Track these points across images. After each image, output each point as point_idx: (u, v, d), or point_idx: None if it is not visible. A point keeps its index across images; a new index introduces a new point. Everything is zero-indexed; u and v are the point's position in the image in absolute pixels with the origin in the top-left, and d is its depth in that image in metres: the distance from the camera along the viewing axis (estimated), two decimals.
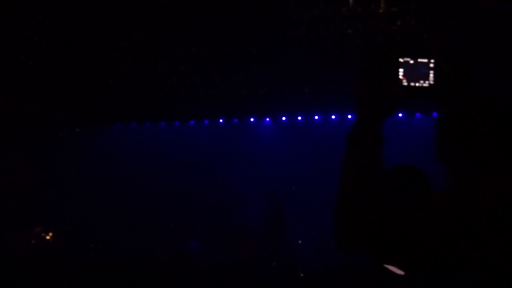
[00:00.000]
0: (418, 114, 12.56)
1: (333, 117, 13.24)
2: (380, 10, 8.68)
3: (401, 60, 1.59)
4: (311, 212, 11.50)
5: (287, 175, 12.40)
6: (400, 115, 12.24)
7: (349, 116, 13.06)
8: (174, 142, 13.86)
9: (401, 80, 1.59)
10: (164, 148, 13.83)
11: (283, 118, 13.68)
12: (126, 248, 10.90)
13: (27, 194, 12.79)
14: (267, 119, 13.91)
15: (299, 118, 13.55)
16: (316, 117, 13.39)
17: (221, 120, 14.14)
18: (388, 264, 2.06)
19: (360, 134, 1.58)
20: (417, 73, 1.59)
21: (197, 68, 11.54)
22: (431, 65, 1.59)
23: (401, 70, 1.59)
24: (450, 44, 9.04)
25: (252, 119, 13.92)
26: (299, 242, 11.93)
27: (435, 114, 9.93)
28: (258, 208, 11.26)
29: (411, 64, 1.59)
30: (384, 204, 1.48)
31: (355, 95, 1.61)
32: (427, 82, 1.59)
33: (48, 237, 12.69)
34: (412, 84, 1.59)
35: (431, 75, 1.59)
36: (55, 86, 11.69)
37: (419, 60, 1.59)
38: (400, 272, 2.01)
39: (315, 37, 9.84)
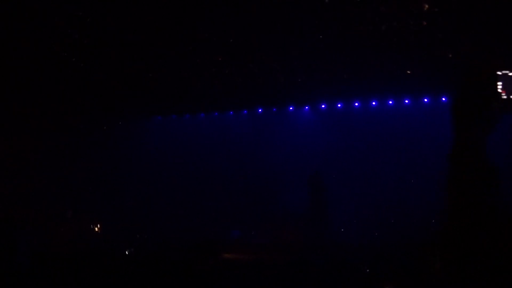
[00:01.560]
0: None
1: (373, 103, 13.05)
2: None
3: (499, 73, 1.54)
4: (353, 198, 11.45)
5: (328, 162, 12.33)
6: None
7: (390, 102, 12.87)
8: (214, 132, 14.01)
9: (500, 93, 1.54)
10: (205, 138, 13.99)
11: (322, 106, 13.58)
12: (171, 237, 11.11)
13: (75, 187, 13.19)
14: (306, 107, 13.84)
15: (339, 105, 13.42)
16: (356, 104, 13.23)
17: (260, 110, 14.16)
18: None
19: (463, 153, 1.53)
20: None
21: (234, 58, 11.55)
22: None
23: (499, 83, 1.54)
24: None
25: (291, 108, 13.88)
26: (342, 230, 11.87)
27: None
28: (299, 194, 11.28)
29: (510, 76, 1.54)
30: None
31: (454, 112, 1.56)
32: None
33: (97, 229, 13.08)
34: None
35: None
36: (95, 83, 11.98)
37: None
38: None
39: (350, 23, 9.69)
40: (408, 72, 11.41)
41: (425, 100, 12.43)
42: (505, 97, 1.54)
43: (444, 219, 1.53)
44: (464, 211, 1.47)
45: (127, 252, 10.28)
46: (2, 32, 9.41)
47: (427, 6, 8.52)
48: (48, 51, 10.56)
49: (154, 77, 12.28)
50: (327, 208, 10.88)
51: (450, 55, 10.49)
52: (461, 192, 1.49)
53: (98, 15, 9.49)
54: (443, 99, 11.96)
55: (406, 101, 12.72)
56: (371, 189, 11.71)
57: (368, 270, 7.30)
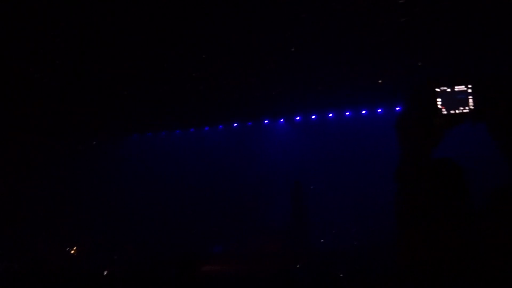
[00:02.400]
0: None
1: (347, 113, 13.24)
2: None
3: (437, 90, 1.63)
4: (332, 208, 11.54)
5: (306, 172, 12.41)
6: None
7: (363, 112, 13.08)
8: (191, 149, 13.98)
9: (440, 109, 1.62)
10: (181, 154, 13.95)
11: (297, 118, 13.71)
12: (151, 254, 10.98)
13: (50, 209, 12.96)
14: (281, 120, 13.95)
15: (313, 116, 13.57)
16: (330, 115, 13.39)
17: (235, 124, 14.21)
18: None
19: (409, 168, 1.57)
20: (455, 100, 1.62)
21: (208, 74, 11.60)
22: (469, 90, 1.62)
23: (439, 99, 1.62)
24: None
25: (266, 121, 13.97)
26: (322, 241, 11.92)
27: None
28: (280, 205, 11.31)
29: (448, 92, 1.62)
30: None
31: (398, 130, 1.61)
32: (466, 108, 1.61)
33: (72, 251, 12.83)
34: (452, 111, 1.62)
35: (470, 101, 1.61)
36: (70, 100, 11.85)
37: (456, 88, 1.63)
38: None
39: (323, 34, 9.85)
40: (380, 81, 11.64)
41: (398, 108, 12.66)
42: (445, 112, 1.61)
43: (399, 239, 1.56)
44: (418, 225, 1.49)
45: (105, 273, 10.11)
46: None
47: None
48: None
49: (128, 94, 12.21)
50: (307, 217, 10.95)
51: (420, 63, 10.77)
52: (412, 208, 1.52)
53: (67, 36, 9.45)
54: (397, 109, 12.21)
55: (379, 110, 12.93)
56: (350, 196, 11.83)
57: (342, 275, 7.35)
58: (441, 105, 1.61)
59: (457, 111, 1.62)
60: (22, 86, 10.94)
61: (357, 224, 11.27)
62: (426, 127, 1.58)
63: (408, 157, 1.58)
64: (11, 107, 11.36)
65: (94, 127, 13.40)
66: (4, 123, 11.66)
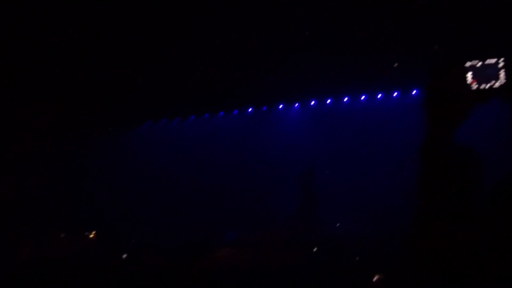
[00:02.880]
0: None
1: (362, 97, 13.10)
2: None
3: (468, 63, 1.57)
4: (345, 192, 11.50)
5: (319, 158, 12.35)
6: None
7: (379, 95, 12.93)
8: (205, 135, 14.00)
9: (470, 84, 1.56)
10: (196, 140, 13.98)
11: (312, 103, 13.61)
12: (167, 240, 11.09)
13: (67, 194, 13.16)
14: (296, 105, 13.87)
15: (328, 101, 13.46)
16: (346, 99, 13.27)
17: (250, 109, 14.17)
18: None
19: (434, 146, 1.53)
20: (486, 74, 1.56)
21: (222, 59, 11.56)
22: (500, 64, 1.56)
23: (469, 74, 1.56)
24: None
25: (280, 106, 13.91)
26: (337, 224, 11.90)
27: None
28: (292, 193, 11.31)
29: (479, 66, 1.56)
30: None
31: (425, 105, 1.56)
32: (497, 82, 1.55)
33: (91, 236, 13.04)
34: (482, 86, 1.56)
35: (501, 75, 1.55)
36: (83, 89, 11.94)
37: (487, 61, 1.57)
38: None
39: (336, 19, 9.73)
40: (396, 65, 11.47)
41: (414, 92, 12.49)
42: (475, 87, 1.55)
43: (416, 218, 1.53)
44: (438, 208, 1.47)
45: (123, 256, 10.27)
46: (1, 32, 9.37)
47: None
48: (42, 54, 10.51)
49: (142, 81, 12.25)
50: (319, 203, 10.93)
51: (437, 46, 10.57)
52: (433, 188, 1.49)
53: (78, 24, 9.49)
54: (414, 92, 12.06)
55: (395, 94, 12.77)
56: (364, 183, 11.76)
57: (357, 258, 7.35)
58: (471, 79, 1.55)
59: (487, 86, 1.55)
60: (31, 75, 11.04)
61: (371, 210, 11.22)
62: (453, 103, 1.53)
63: (434, 134, 1.52)
64: (22, 96, 11.47)
65: (108, 115, 13.50)
66: (21, 111, 11.81)
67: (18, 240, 9.89)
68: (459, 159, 1.53)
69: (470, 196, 1.50)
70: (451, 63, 1.55)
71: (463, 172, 1.53)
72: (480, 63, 1.56)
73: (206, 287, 6.86)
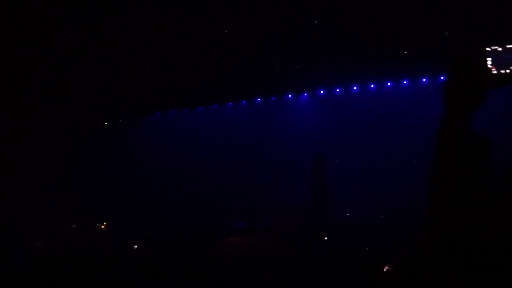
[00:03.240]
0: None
1: (372, 86, 13.01)
2: None
3: (488, 49, 1.56)
4: (355, 181, 11.47)
5: (329, 147, 12.31)
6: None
7: (388, 84, 12.83)
8: (214, 125, 14.00)
9: (490, 69, 1.56)
10: (205, 131, 13.99)
11: (321, 92, 13.55)
12: (177, 230, 11.15)
13: (79, 186, 13.25)
14: (305, 94, 13.81)
15: (337, 90, 13.39)
16: (355, 88, 13.19)
17: (258, 100, 14.14)
18: None
19: (451, 130, 1.54)
20: (506, 60, 1.56)
21: (231, 50, 11.53)
22: None
23: (489, 59, 1.56)
24: None
25: (289, 96, 13.86)
26: (347, 214, 11.91)
27: None
28: (302, 182, 11.30)
29: (499, 51, 1.56)
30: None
31: (444, 89, 1.56)
32: None
33: (103, 227, 13.14)
34: (502, 71, 1.56)
35: None
36: (93, 81, 11.99)
37: (508, 46, 1.56)
38: None
39: (345, 7, 9.66)
40: (405, 52, 11.37)
41: (424, 80, 12.38)
42: (495, 72, 1.55)
43: (432, 202, 1.53)
44: (453, 191, 1.47)
45: (135, 247, 10.35)
46: (2, 32, 9.41)
47: None
48: (47, 50, 10.57)
49: (151, 72, 12.27)
50: (329, 191, 10.92)
51: (446, 33, 10.46)
52: (449, 171, 1.49)
53: (96, 14, 9.50)
54: (442, 78, 11.91)
55: (405, 82, 12.67)
56: (374, 171, 11.71)
57: (367, 249, 7.34)
58: (491, 64, 1.55)
59: (507, 71, 1.56)
60: (42, 64, 11.09)
61: (381, 199, 11.19)
62: (473, 86, 1.53)
63: (452, 118, 1.54)
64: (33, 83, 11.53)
65: (118, 105, 13.55)
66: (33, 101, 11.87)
67: (32, 233, 9.98)
68: (475, 145, 1.54)
69: (485, 181, 1.50)
70: (472, 48, 1.55)
71: (479, 158, 1.53)
72: (500, 49, 1.56)
73: (216, 273, 6.89)
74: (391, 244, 7.21)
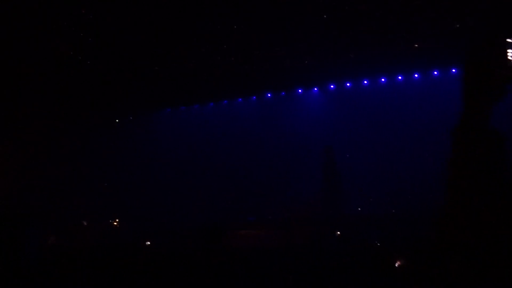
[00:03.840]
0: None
1: (382, 80, 12.92)
2: None
3: (509, 40, 1.50)
4: (366, 175, 11.42)
5: (340, 142, 12.26)
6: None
7: (399, 78, 12.74)
8: (225, 120, 14.01)
9: (509, 61, 1.50)
10: (216, 127, 14.01)
11: (331, 86, 13.48)
12: (187, 225, 11.19)
13: (88, 182, 13.33)
14: (315, 89, 13.75)
15: (348, 84, 13.31)
16: (365, 82, 13.11)
17: (268, 95, 14.12)
18: None
19: (470, 126, 1.49)
20: None
21: (240, 45, 11.51)
22: None
23: (509, 51, 1.50)
24: None
25: (300, 90, 13.81)
26: (359, 209, 11.86)
27: None
28: (312, 175, 11.28)
29: None
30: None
31: (462, 82, 1.53)
32: None
33: (115, 223, 13.21)
34: None
35: None
36: (102, 78, 12.05)
37: None
38: None
39: (355, 1, 9.59)
40: (416, 45, 11.28)
41: (435, 73, 12.27)
42: None
43: (447, 195, 1.50)
44: (469, 186, 1.44)
45: (147, 243, 10.38)
46: (2, 32, 9.48)
47: None
48: (52, 48, 10.63)
49: (160, 68, 12.30)
50: (340, 184, 10.89)
51: (458, 26, 10.35)
52: (465, 165, 1.45)
53: (100, 11, 9.53)
54: (453, 70, 11.80)
55: (416, 75, 12.57)
56: (385, 166, 11.64)
57: (379, 244, 7.29)
58: (511, 56, 1.50)
59: None
60: (48, 63, 11.16)
61: (393, 193, 11.13)
62: (492, 78, 1.49)
63: (470, 112, 1.49)
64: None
65: (130, 102, 13.61)
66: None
67: (44, 231, 10.05)
68: (492, 141, 1.50)
69: (502, 177, 1.47)
70: (491, 39, 1.50)
71: (496, 154, 1.49)
72: None
73: (228, 266, 6.91)
74: (403, 239, 7.17)
